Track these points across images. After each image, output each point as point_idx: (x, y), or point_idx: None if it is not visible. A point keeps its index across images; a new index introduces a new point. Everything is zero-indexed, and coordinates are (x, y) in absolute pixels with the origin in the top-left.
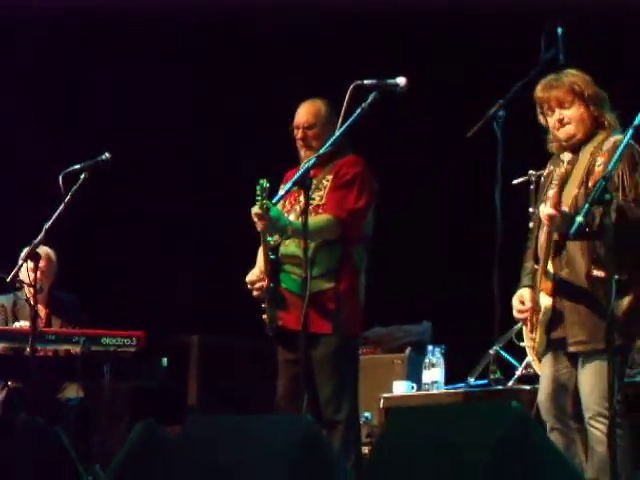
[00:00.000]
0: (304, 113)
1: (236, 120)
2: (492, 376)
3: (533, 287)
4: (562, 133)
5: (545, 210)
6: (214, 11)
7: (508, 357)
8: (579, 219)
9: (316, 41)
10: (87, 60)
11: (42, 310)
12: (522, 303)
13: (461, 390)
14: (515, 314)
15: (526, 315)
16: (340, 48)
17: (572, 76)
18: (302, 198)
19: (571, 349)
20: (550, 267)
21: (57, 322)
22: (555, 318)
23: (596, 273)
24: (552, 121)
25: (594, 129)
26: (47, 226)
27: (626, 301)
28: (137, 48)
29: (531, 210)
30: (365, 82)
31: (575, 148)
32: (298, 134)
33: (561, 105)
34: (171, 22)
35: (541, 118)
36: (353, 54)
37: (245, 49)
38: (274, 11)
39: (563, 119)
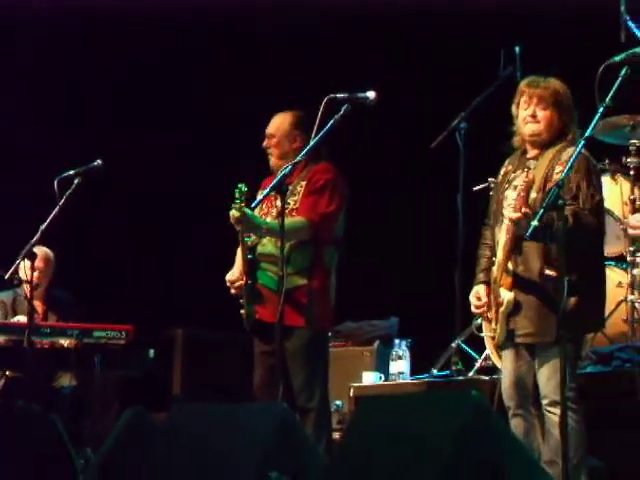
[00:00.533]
0: (271, 124)
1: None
2: (454, 367)
3: (488, 283)
4: (528, 129)
5: (511, 215)
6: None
7: (469, 350)
8: (534, 223)
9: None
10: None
11: (39, 306)
12: (479, 299)
13: (425, 380)
14: (473, 309)
15: (483, 310)
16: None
17: (558, 84)
18: (278, 202)
19: (518, 340)
20: (509, 264)
21: (53, 317)
22: (514, 311)
23: (548, 272)
24: (523, 114)
25: (558, 136)
26: (43, 227)
27: (575, 299)
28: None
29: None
30: (338, 95)
31: (536, 146)
32: (264, 142)
33: (539, 103)
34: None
35: (514, 108)
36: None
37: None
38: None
39: (535, 116)
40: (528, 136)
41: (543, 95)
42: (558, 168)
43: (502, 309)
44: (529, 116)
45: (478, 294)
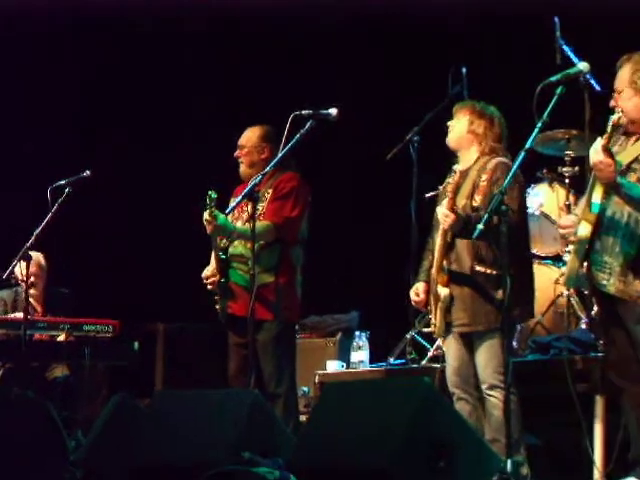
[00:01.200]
0: (242, 136)
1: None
2: (408, 356)
3: (427, 281)
4: (448, 136)
5: (441, 210)
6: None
7: (422, 341)
8: (480, 226)
9: None
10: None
11: (38, 306)
12: (417, 295)
13: (383, 368)
14: (413, 303)
15: (420, 305)
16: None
17: (479, 105)
18: (249, 208)
19: (455, 330)
20: (444, 263)
21: (50, 315)
22: (450, 304)
23: (478, 268)
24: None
25: (470, 145)
26: (37, 232)
27: (501, 291)
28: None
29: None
30: (303, 112)
31: (454, 150)
32: (236, 152)
33: (456, 116)
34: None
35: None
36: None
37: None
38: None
39: (450, 125)
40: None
41: (459, 110)
42: (484, 177)
43: (440, 304)
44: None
45: (417, 290)
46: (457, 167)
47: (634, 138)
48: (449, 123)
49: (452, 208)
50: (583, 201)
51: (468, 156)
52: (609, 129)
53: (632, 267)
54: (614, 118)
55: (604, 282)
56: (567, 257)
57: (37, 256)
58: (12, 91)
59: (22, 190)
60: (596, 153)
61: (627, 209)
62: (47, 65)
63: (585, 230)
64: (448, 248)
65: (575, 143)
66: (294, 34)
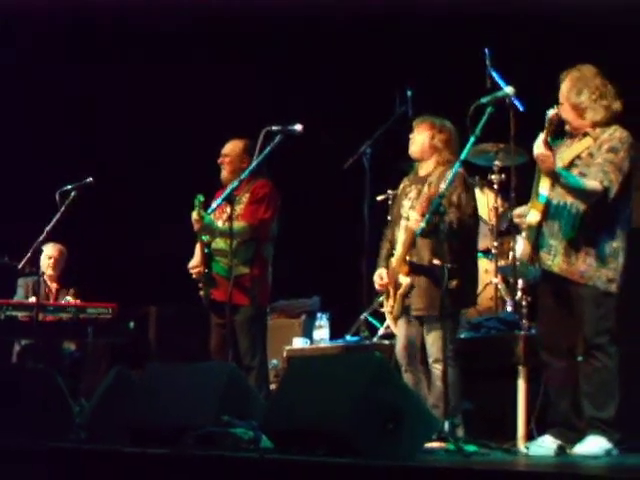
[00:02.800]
0: (226, 146)
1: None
2: (362, 334)
3: (387, 267)
4: (410, 147)
5: (413, 215)
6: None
7: (373, 321)
8: (422, 225)
9: None
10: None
11: (55, 287)
12: (381, 279)
13: (341, 344)
14: (376, 287)
15: (384, 288)
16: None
17: (438, 121)
18: (228, 209)
19: (413, 313)
20: (407, 256)
21: (64, 293)
22: (409, 292)
23: (434, 261)
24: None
25: (431, 155)
26: (48, 228)
27: (455, 282)
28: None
29: (389, 218)
30: (273, 128)
31: (417, 160)
32: (220, 159)
33: (417, 130)
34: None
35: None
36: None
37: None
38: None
39: (412, 138)
40: (411, 154)
41: (420, 125)
42: (443, 185)
43: (400, 291)
44: (410, 140)
45: (380, 275)
46: (422, 172)
47: (577, 138)
48: (411, 136)
49: (424, 214)
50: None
51: (427, 165)
52: (546, 124)
53: (574, 249)
54: (549, 114)
55: (549, 262)
56: (520, 242)
57: (58, 246)
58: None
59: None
60: (537, 147)
61: (569, 199)
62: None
63: (534, 217)
64: (412, 243)
65: (502, 155)
66: (260, 55)
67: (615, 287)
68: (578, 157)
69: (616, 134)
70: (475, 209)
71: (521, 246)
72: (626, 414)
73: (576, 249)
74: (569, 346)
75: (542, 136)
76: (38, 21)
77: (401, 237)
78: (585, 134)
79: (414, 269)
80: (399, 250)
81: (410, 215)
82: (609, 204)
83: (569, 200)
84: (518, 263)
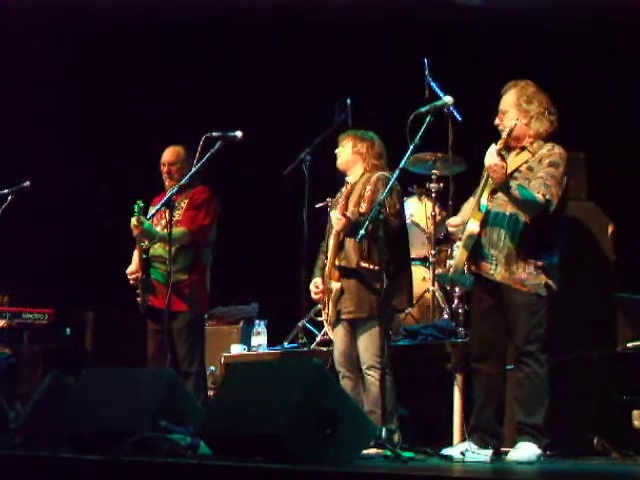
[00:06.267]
0: (169, 154)
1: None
2: (300, 341)
3: (323, 276)
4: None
5: (335, 214)
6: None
7: (311, 328)
8: (362, 232)
9: None
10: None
11: None
12: (317, 287)
13: (278, 351)
14: (312, 296)
15: (320, 296)
16: None
17: (358, 132)
18: (167, 215)
19: (343, 317)
20: (336, 261)
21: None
22: (340, 296)
23: (363, 264)
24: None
25: (354, 164)
26: None
27: (386, 284)
28: None
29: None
30: (213, 134)
31: (344, 171)
32: (164, 169)
33: (340, 144)
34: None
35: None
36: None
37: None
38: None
39: (337, 153)
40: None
41: (341, 139)
42: (368, 188)
43: (332, 296)
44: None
45: (316, 284)
46: (348, 179)
47: (515, 152)
48: (337, 151)
49: (344, 213)
50: (471, 202)
51: (355, 172)
52: (504, 135)
53: (515, 258)
54: (511, 125)
55: (491, 272)
56: (456, 251)
57: None
58: None
59: None
60: (491, 157)
61: (509, 209)
62: None
63: (474, 226)
64: (339, 248)
65: (440, 164)
66: (196, 61)
67: (550, 294)
68: (517, 170)
69: (555, 150)
70: (400, 209)
71: (457, 255)
72: (550, 423)
73: (517, 258)
74: (499, 354)
75: (496, 146)
76: None
77: (331, 244)
78: (523, 148)
79: (343, 273)
80: (330, 257)
81: (332, 215)
82: (548, 216)
83: (509, 211)
84: (453, 271)
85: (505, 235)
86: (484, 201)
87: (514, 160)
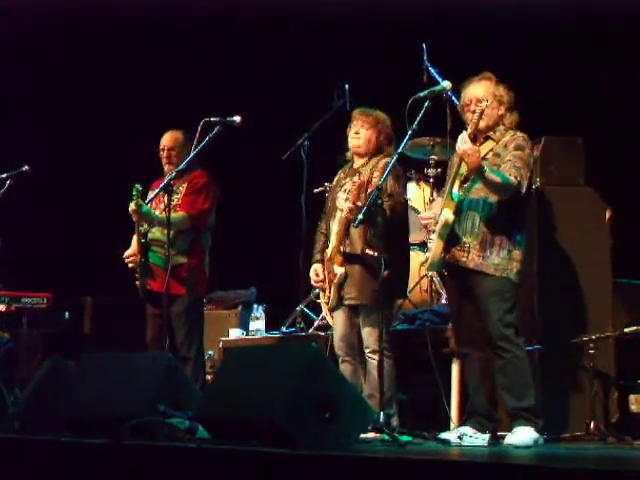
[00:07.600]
0: (168, 139)
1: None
2: (298, 326)
3: (323, 261)
4: (354, 140)
5: (347, 205)
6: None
7: (309, 313)
8: (360, 217)
9: None
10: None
11: None
12: (317, 275)
13: (276, 335)
14: (312, 283)
15: (320, 284)
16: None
17: (381, 114)
18: (166, 199)
19: (346, 302)
20: (341, 247)
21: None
22: (344, 282)
23: (367, 251)
24: (351, 133)
25: (376, 151)
26: None
27: (387, 272)
28: None
29: (324, 211)
30: (211, 119)
31: (360, 157)
32: (163, 154)
33: (363, 125)
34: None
35: (348, 129)
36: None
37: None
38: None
39: (359, 133)
40: (353, 148)
41: (367, 120)
42: (376, 174)
43: (335, 281)
44: (354, 133)
45: (316, 271)
46: (355, 164)
47: (478, 142)
48: (354, 128)
49: (355, 202)
50: (444, 193)
51: (365, 156)
52: (475, 117)
53: (489, 243)
54: (482, 106)
55: (464, 259)
56: (431, 243)
57: None
58: None
59: None
60: (464, 142)
61: (482, 196)
62: None
63: (449, 215)
64: (346, 233)
65: (438, 149)
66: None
67: (519, 279)
68: (483, 158)
69: (518, 134)
70: (406, 200)
71: (433, 246)
72: (544, 409)
73: (491, 243)
74: (484, 337)
75: (467, 131)
76: None
77: (335, 228)
78: (487, 138)
79: (348, 259)
80: (333, 241)
81: (344, 205)
82: (519, 198)
83: (482, 197)
84: (430, 263)
85: (479, 220)
86: (455, 189)
87: (480, 149)
